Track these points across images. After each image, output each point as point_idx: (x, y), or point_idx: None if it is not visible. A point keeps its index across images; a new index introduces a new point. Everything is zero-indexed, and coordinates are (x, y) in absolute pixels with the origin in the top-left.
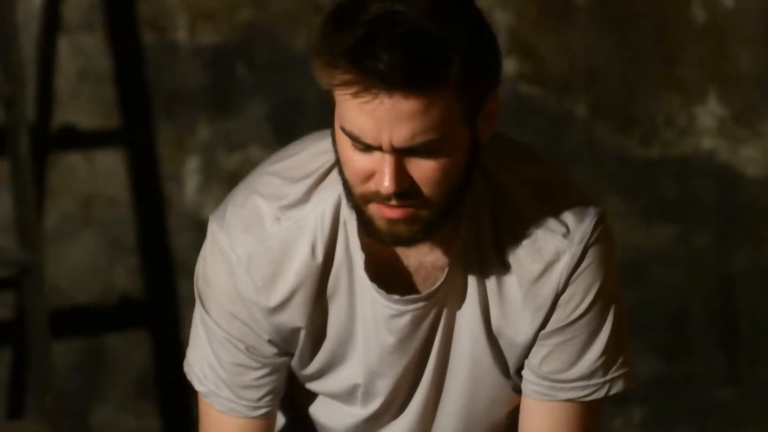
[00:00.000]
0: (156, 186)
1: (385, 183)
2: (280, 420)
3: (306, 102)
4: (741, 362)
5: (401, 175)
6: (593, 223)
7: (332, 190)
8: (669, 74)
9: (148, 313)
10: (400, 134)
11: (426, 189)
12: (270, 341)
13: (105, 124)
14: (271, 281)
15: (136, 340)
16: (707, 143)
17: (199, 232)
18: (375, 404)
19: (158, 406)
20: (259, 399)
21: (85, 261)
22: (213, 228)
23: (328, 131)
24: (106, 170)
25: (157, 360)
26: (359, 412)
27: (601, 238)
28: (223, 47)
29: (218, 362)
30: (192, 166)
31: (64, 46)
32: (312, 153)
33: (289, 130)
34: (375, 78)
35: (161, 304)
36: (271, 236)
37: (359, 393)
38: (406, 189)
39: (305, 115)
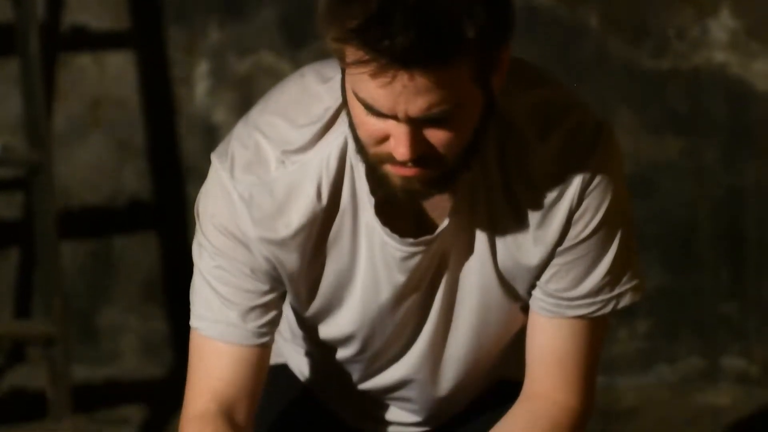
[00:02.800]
0: (166, 89)
1: (401, 150)
2: (299, 353)
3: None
4: (746, 277)
5: (417, 142)
6: (599, 141)
7: (339, 132)
8: None
9: (156, 216)
10: (416, 106)
11: (442, 151)
12: (270, 267)
13: (115, 25)
14: (271, 221)
15: (144, 243)
16: (719, 56)
17: (208, 136)
18: (383, 338)
19: (165, 309)
20: (262, 326)
21: (94, 163)
22: (215, 165)
23: (327, 63)
24: (116, 72)
25: (164, 263)
26: (368, 344)
27: (608, 154)
28: None
29: (224, 286)
30: (202, 69)
31: None
32: (316, 93)
33: (301, 35)
34: (392, 58)
35: (170, 207)
36: (275, 179)
37: (362, 335)
38: (421, 154)
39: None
